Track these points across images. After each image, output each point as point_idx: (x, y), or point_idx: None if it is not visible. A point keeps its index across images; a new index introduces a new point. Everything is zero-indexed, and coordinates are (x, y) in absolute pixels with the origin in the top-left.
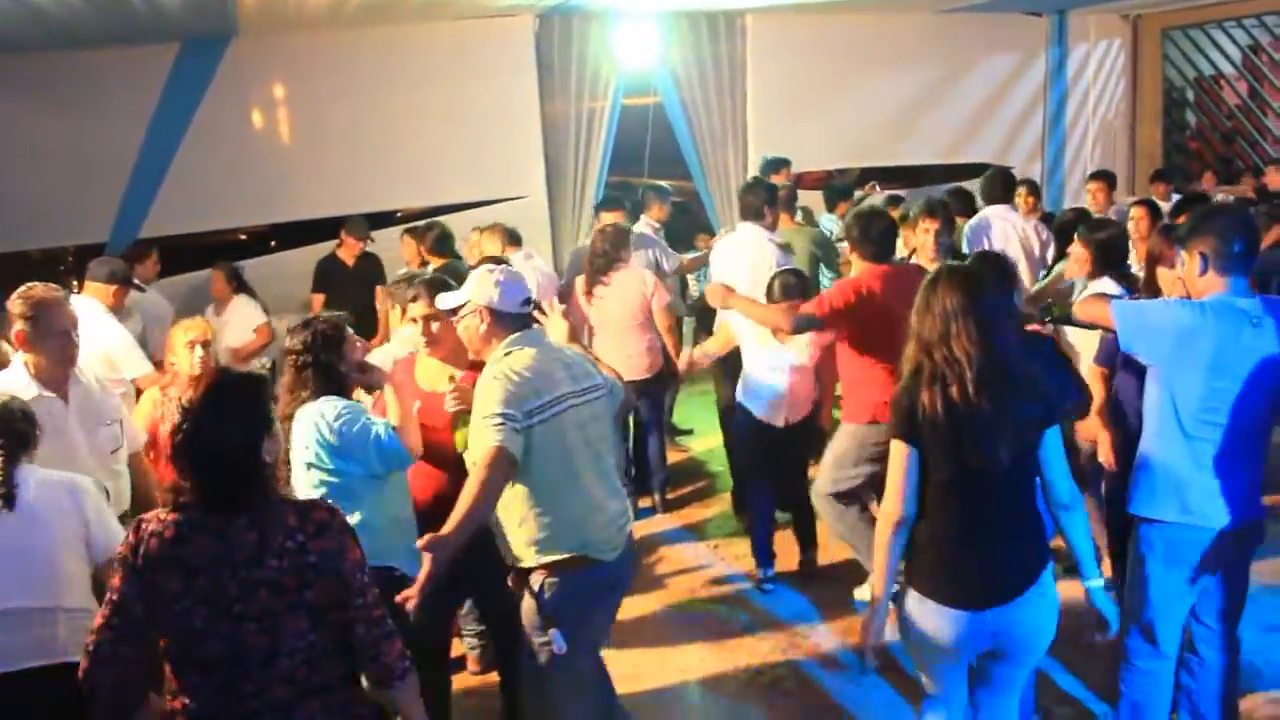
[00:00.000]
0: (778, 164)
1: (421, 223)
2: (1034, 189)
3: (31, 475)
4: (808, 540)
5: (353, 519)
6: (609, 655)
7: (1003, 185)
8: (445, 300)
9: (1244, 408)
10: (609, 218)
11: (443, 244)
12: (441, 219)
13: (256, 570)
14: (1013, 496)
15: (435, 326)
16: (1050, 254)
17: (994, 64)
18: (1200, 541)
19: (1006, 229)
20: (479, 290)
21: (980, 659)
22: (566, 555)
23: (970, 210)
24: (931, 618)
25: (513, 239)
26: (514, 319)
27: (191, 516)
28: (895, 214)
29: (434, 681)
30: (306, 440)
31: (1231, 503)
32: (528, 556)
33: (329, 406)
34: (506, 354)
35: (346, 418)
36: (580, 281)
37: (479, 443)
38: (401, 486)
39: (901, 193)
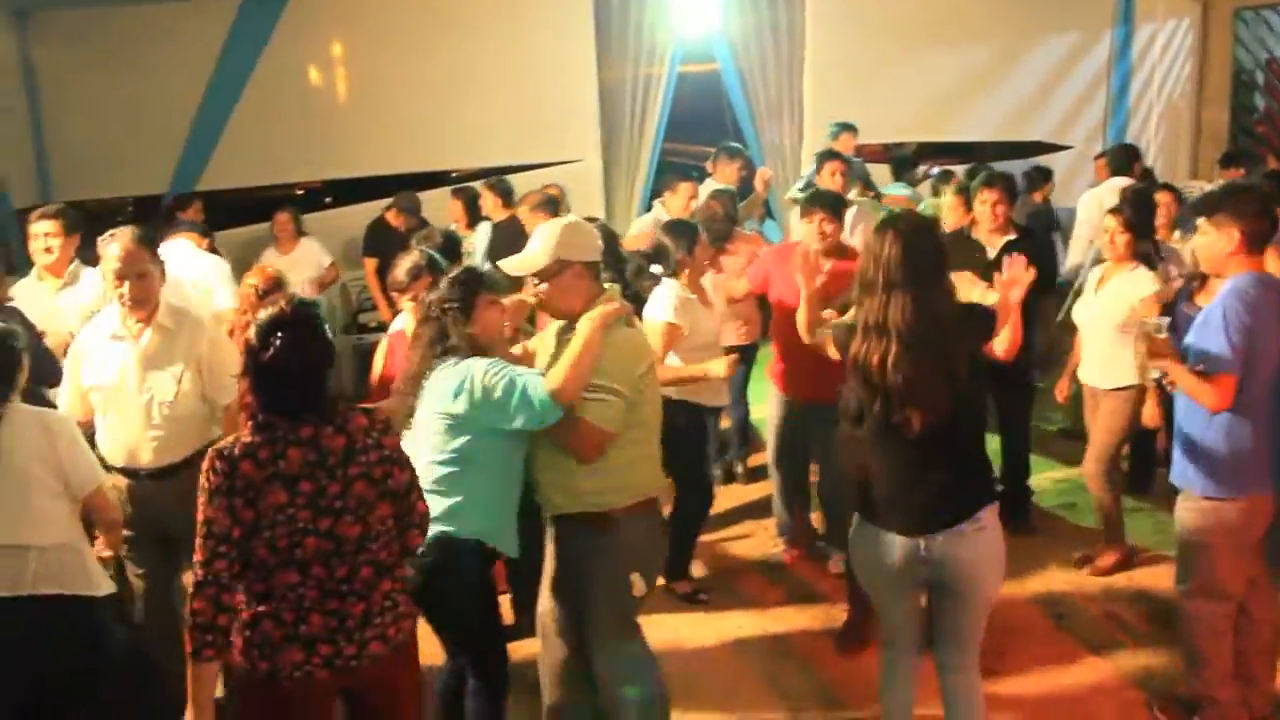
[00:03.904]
0: (844, 128)
1: (477, 183)
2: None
3: (9, 413)
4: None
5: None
6: (649, 621)
7: (1124, 158)
8: (525, 264)
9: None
10: (685, 188)
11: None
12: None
13: (351, 468)
14: (946, 438)
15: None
16: None
17: (1057, 40)
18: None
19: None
20: (583, 247)
21: (931, 598)
22: (647, 497)
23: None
24: (871, 541)
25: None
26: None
27: (273, 435)
28: (950, 189)
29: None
30: (444, 397)
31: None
32: (612, 499)
33: (476, 364)
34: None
35: (493, 372)
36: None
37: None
38: (518, 466)
39: (954, 168)
